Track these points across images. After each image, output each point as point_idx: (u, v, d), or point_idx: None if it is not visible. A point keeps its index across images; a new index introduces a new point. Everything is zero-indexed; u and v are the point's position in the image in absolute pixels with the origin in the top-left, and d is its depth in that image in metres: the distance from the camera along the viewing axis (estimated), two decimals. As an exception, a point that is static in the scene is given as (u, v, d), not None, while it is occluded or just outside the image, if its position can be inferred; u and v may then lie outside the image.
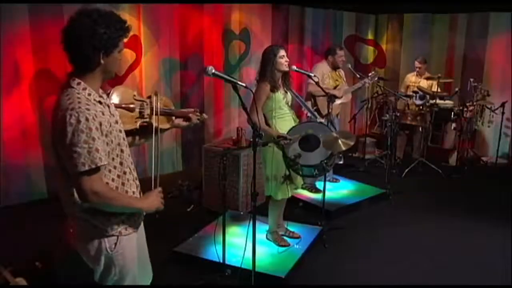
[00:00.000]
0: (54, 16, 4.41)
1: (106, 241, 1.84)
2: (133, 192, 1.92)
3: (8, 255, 3.17)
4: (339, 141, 3.22)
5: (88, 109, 1.64)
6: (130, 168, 1.91)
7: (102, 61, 1.71)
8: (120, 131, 1.87)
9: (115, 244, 1.85)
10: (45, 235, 3.53)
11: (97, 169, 1.66)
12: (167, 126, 2.26)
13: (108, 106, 1.82)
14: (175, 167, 5.87)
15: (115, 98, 2.11)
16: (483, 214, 4.53)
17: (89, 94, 1.71)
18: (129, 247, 1.92)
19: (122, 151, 1.84)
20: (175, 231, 3.93)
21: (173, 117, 2.28)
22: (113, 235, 1.84)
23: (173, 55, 5.61)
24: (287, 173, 3.38)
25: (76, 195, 1.73)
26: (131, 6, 5.10)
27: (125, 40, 1.79)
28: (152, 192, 1.97)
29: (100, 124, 1.68)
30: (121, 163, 1.83)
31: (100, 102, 1.75)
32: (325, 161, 3.22)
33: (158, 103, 2.16)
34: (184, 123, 2.32)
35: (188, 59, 5.78)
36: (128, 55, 5.14)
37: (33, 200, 4.55)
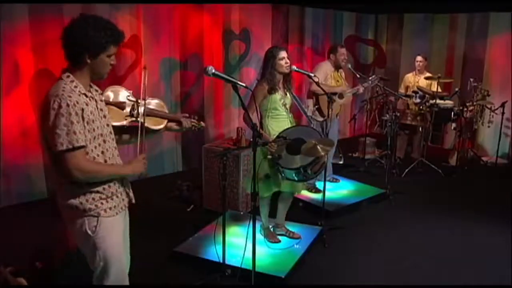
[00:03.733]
0: (54, 16, 4.41)
1: (87, 222, 1.97)
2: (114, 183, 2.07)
3: (8, 255, 3.17)
4: (318, 146, 3.10)
5: (70, 97, 1.83)
6: (115, 161, 2.09)
7: (88, 61, 1.90)
8: (108, 125, 2.07)
9: (95, 226, 1.98)
10: (45, 235, 3.53)
11: (76, 148, 1.84)
12: (158, 127, 2.32)
13: (95, 101, 2.00)
14: (175, 167, 5.87)
15: (107, 95, 2.22)
16: (483, 214, 4.53)
17: (75, 86, 1.91)
18: (111, 231, 2.03)
19: (104, 141, 2.01)
20: (175, 231, 3.94)
21: (166, 120, 2.36)
22: (92, 216, 1.97)
23: (173, 55, 5.62)
24: (268, 172, 3.36)
25: (59, 174, 1.92)
26: (131, 6, 5.09)
27: (116, 47, 1.96)
28: (136, 159, 2.11)
29: (82, 111, 1.87)
30: (102, 152, 2.00)
31: (85, 95, 1.94)
32: (305, 167, 3.14)
33: (145, 104, 2.21)
34: (176, 127, 2.42)
35: (188, 59, 5.78)
36: (128, 55, 5.15)
37: (33, 200, 4.55)
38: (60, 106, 1.80)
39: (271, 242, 3.63)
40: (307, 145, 3.14)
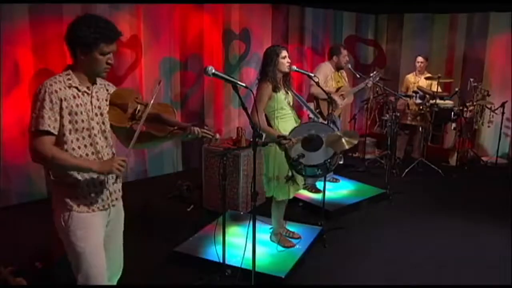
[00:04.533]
0: (54, 16, 4.41)
1: (62, 214, 2.03)
2: (98, 177, 2.08)
3: (8, 255, 3.18)
4: (343, 139, 3.19)
5: (51, 85, 1.92)
6: (100, 154, 2.07)
7: (82, 57, 1.96)
8: (103, 122, 2.08)
9: (67, 219, 2.02)
10: (45, 235, 3.52)
11: (42, 133, 1.90)
12: (163, 134, 2.18)
13: (92, 97, 2.04)
14: (175, 167, 5.87)
15: (114, 95, 2.16)
16: (483, 214, 4.53)
17: (68, 79, 1.98)
18: (83, 227, 2.04)
19: (89, 136, 2.03)
20: (175, 231, 3.94)
21: (172, 127, 2.20)
22: (66, 208, 2.01)
23: (173, 55, 5.62)
24: (290, 174, 3.36)
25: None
26: (131, 6, 5.10)
27: (109, 46, 1.96)
28: (111, 158, 2.08)
29: (61, 100, 1.93)
30: (85, 146, 2.03)
31: (77, 89, 1.99)
32: (329, 160, 3.20)
33: (148, 109, 2.10)
34: (183, 134, 2.23)
35: (188, 59, 5.79)
36: (128, 55, 5.15)
37: (33, 200, 4.55)
38: (39, 92, 1.92)
39: (286, 247, 3.55)
40: (332, 137, 3.17)
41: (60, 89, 1.93)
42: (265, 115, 3.39)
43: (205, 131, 2.23)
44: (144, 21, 5.25)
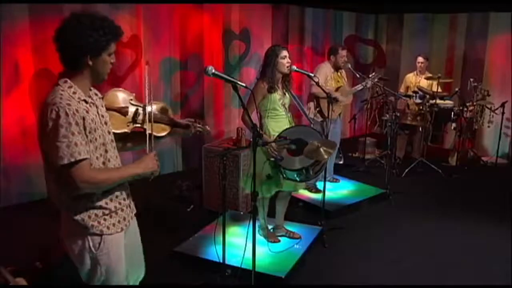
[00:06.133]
0: (54, 16, 4.41)
1: (90, 239, 1.85)
2: (122, 192, 1.96)
3: (8, 255, 3.17)
4: (321, 149, 3.09)
5: (69, 105, 1.68)
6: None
7: (90, 63, 1.76)
8: (109, 132, 1.92)
9: (99, 243, 1.86)
10: (45, 235, 3.52)
11: (79, 161, 1.69)
12: (163, 134, 2.18)
13: (96, 107, 1.87)
14: (175, 167, 5.87)
15: (108, 100, 2.07)
16: (483, 214, 4.53)
17: (74, 93, 1.76)
18: (115, 247, 1.92)
19: (106, 151, 1.87)
20: (175, 231, 3.94)
21: (171, 125, 2.22)
22: (95, 234, 1.85)
23: (173, 55, 5.62)
24: (270, 173, 3.35)
25: (61, 189, 1.80)
26: (131, 6, 5.10)
27: (115, 44, 1.82)
28: (147, 156, 1.96)
29: (83, 119, 1.72)
30: (103, 163, 1.86)
31: (85, 101, 1.80)
32: (307, 167, 3.15)
33: (152, 108, 2.08)
34: (181, 131, 2.28)
35: (188, 59, 5.78)
36: (128, 55, 5.15)
37: (33, 200, 4.55)
38: (58, 116, 1.65)
39: (271, 242, 3.63)
40: (310, 147, 3.13)
41: (78, 107, 1.72)
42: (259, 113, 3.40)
43: (198, 126, 2.29)
44: (144, 21, 5.25)
